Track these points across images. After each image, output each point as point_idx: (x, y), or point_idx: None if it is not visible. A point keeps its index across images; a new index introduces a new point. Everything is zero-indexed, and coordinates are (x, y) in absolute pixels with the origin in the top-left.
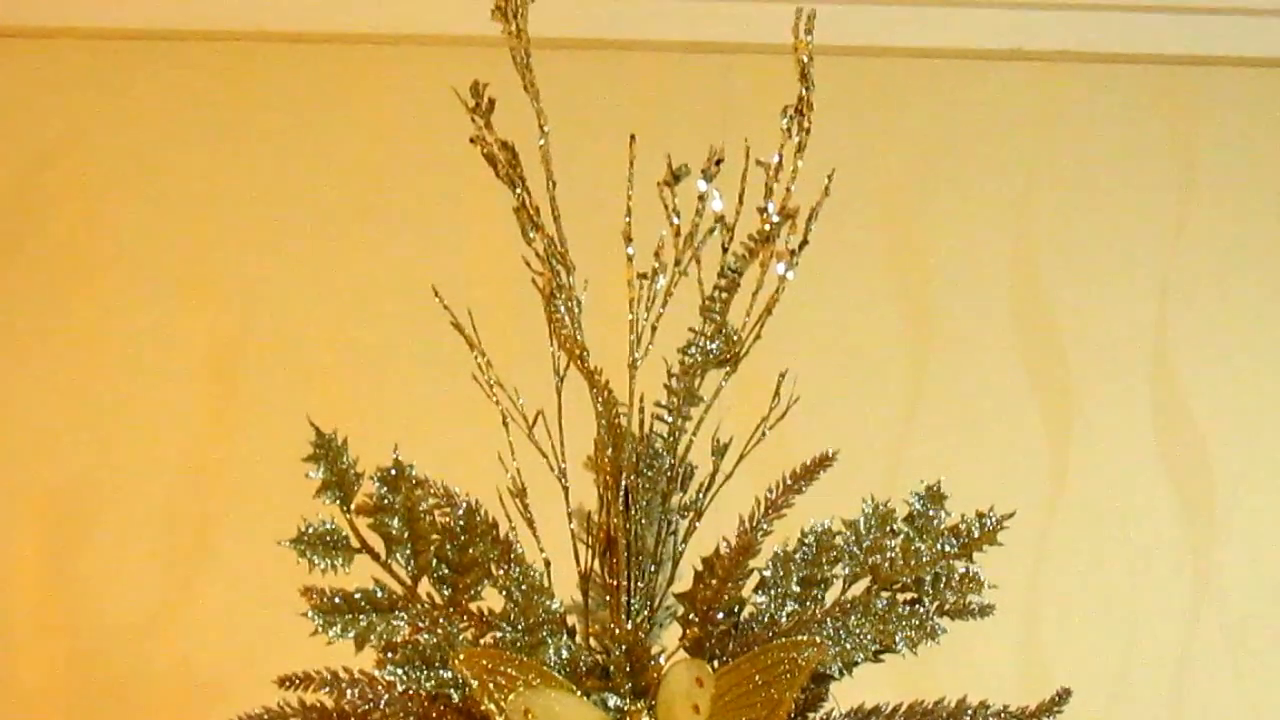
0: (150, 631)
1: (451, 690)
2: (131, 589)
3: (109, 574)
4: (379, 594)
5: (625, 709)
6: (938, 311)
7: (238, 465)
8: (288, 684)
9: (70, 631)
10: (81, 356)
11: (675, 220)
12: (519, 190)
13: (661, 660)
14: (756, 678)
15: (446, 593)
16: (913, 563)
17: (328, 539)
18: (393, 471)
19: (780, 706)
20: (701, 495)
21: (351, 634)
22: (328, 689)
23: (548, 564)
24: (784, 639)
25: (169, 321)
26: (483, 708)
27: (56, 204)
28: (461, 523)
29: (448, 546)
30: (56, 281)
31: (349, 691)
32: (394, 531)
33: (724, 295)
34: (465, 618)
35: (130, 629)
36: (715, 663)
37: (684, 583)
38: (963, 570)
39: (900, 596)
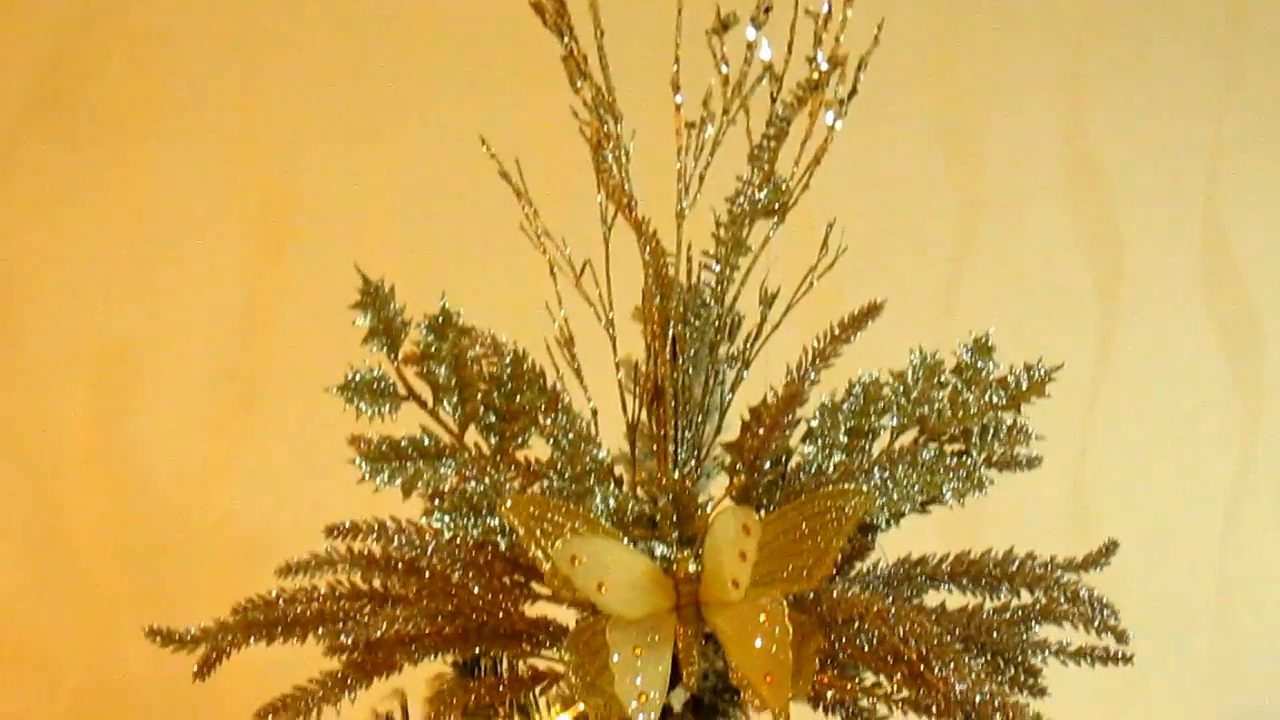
0: (198, 486)
1: (498, 537)
2: (180, 444)
3: (157, 429)
4: (426, 441)
5: (672, 557)
6: (987, 163)
7: (286, 320)
8: (335, 534)
9: (118, 487)
10: (129, 213)
11: (724, 69)
12: (566, 39)
13: (708, 509)
14: (803, 525)
15: (493, 441)
16: (960, 414)
17: (375, 385)
18: (440, 319)
19: (827, 555)
20: (749, 345)
21: (398, 481)
22: (375, 537)
23: (595, 413)
24: (831, 488)
25: (215, 176)
26: (530, 554)
27: (103, 59)
28: (509, 370)
29: (495, 394)
30: (103, 137)
31: (396, 539)
32: (441, 379)
33: (772, 144)
34: (512, 467)
35: (178, 483)
36: (762, 512)
37: (731, 433)
38: (1010, 422)
39: (948, 448)
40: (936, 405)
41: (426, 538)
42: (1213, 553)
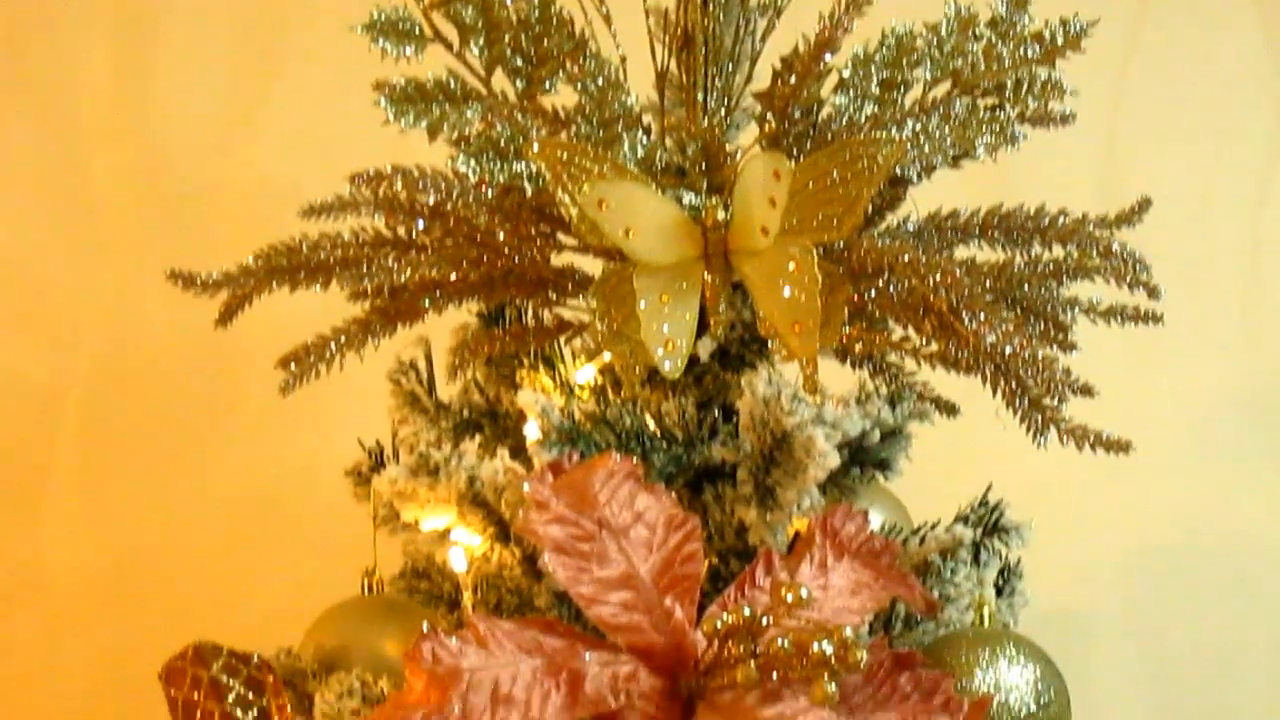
0: (222, 140)
1: (525, 183)
2: (202, 99)
3: (179, 81)
4: (452, 84)
5: (701, 205)
6: None
7: None
8: (359, 180)
9: (140, 141)
10: None
11: None
12: None
13: (738, 158)
14: (834, 174)
15: (520, 85)
16: (994, 67)
17: (400, 25)
18: None
19: (858, 203)
20: None
21: (424, 123)
22: (399, 182)
23: (623, 60)
24: (863, 136)
25: None
26: (556, 199)
27: None
28: (537, 14)
29: (522, 38)
30: None
31: (421, 184)
32: (468, 20)
33: None
34: (539, 115)
35: (202, 139)
36: (792, 162)
37: (761, 83)
38: (1044, 77)
39: (981, 101)
40: (970, 58)
41: (453, 182)
42: (1245, 217)
